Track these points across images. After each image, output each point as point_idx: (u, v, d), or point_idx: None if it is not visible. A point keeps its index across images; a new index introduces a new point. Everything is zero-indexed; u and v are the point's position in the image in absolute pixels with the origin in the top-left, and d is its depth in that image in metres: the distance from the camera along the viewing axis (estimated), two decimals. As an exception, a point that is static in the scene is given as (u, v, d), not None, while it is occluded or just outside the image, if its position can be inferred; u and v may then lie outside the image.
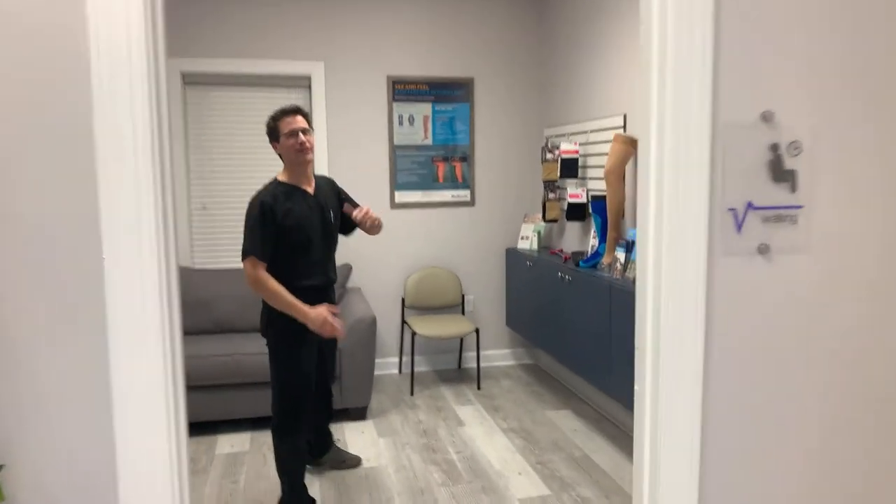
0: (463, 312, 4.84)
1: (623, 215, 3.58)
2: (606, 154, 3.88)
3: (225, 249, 4.51)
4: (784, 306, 1.38)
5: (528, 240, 4.72)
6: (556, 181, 4.46)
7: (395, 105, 4.67)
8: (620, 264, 3.39)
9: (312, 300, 2.62)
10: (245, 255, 2.53)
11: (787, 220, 1.33)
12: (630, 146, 3.49)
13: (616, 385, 3.26)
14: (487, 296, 4.93)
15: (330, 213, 2.75)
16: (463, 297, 4.82)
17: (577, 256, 4.00)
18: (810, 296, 1.40)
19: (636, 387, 1.39)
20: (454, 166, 4.80)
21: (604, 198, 3.72)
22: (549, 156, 4.45)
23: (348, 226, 2.88)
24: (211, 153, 4.47)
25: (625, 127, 3.71)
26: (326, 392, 3.19)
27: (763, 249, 1.32)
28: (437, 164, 4.79)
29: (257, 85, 4.50)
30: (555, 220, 4.50)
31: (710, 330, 1.31)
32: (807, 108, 1.36)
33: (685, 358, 1.26)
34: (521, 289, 4.55)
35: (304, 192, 2.66)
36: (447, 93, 4.75)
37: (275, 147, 2.66)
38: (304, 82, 4.54)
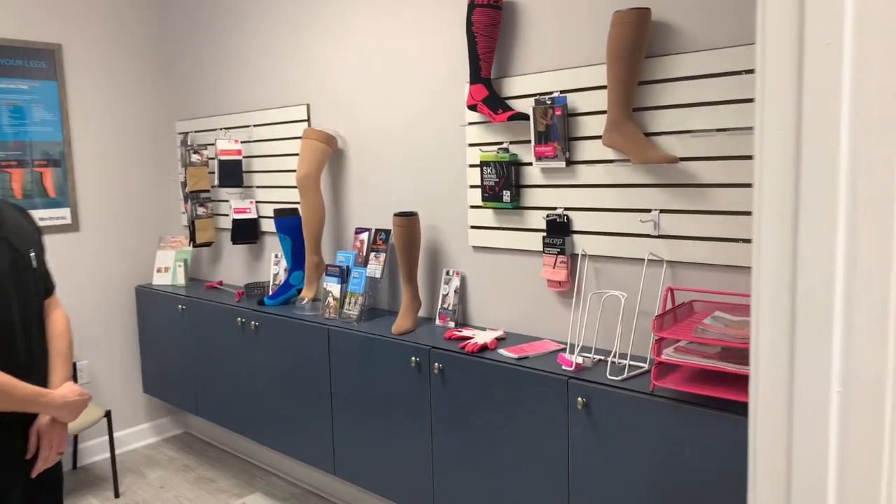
0: (76, 387, 3.29)
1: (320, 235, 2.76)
2: (278, 155, 3.01)
3: None
4: None
5: (167, 272, 3.47)
6: (207, 191, 3.34)
7: (-81, 74, 2.86)
8: (334, 298, 2.58)
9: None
10: None
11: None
12: (327, 144, 2.70)
13: (341, 454, 2.45)
14: (112, 356, 3.48)
15: (31, 258, 1.65)
16: (74, 365, 3.28)
17: (253, 291, 3.01)
18: None
19: None
20: (39, 174, 3.23)
21: (294, 212, 2.83)
22: (194, 157, 3.31)
23: (50, 279, 1.78)
24: None
25: (309, 120, 2.89)
26: None
27: None
28: (10, 172, 3.14)
29: None
30: (208, 244, 3.38)
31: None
32: None
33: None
34: (167, 341, 3.30)
35: None
36: (18, 64, 3.14)
37: None
38: None
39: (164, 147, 3.65)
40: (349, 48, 2.68)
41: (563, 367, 1.87)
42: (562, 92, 2.06)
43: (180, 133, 3.58)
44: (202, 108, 3.44)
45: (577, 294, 2.09)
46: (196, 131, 3.47)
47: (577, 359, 1.88)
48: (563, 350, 2.04)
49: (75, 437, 3.34)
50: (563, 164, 2.06)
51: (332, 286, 2.59)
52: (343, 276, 2.58)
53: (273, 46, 3.00)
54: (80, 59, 3.32)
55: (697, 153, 1.81)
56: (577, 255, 2.08)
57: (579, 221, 2.07)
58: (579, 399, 1.77)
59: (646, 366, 1.84)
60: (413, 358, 2.16)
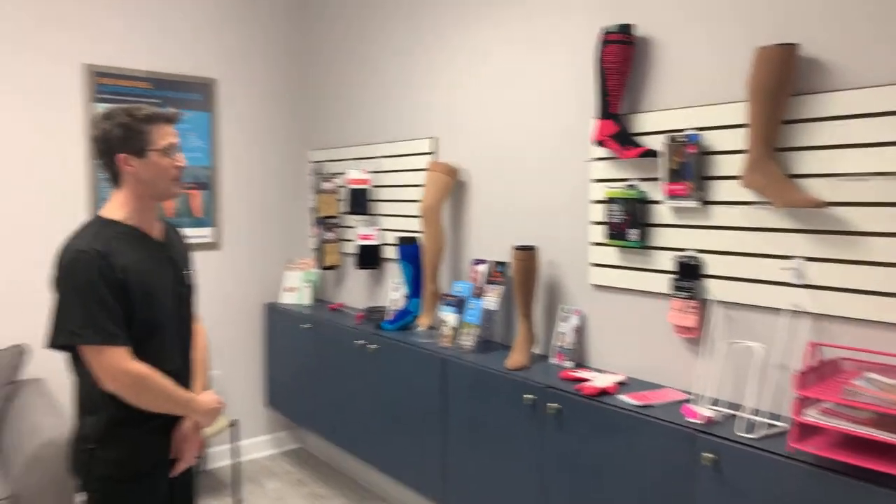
0: (207, 395, 3.53)
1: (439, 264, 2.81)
2: (402, 186, 3.10)
3: None
4: None
5: (295, 292, 3.66)
6: (335, 217, 3.51)
7: (98, 108, 3.24)
8: (450, 328, 2.60)
9: None
10: (80, 340, 1.54)
11: None
12: (450, 176, 2.75)
13: (451, 484, 2.44)
14: (240, 368, 3.71)
15: (187, 275, 1.81)
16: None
17: (373, 315, 3.10)
18: None
19: None
20: (190, 196, 3.53)
21: (414, 240, 2.91)
22: (325, 185, 3.49)
23: (195, 296, 1.93)
24: None
25: (433, 152, 2.96)
26: None
27: None
28: (165, 193, 3.45)
29: None
30: (333, 267, 3.54)
31: None
32: None
33: None
34: (291, 357, 3.46)
35: (151, 239, 1.71)
36: (180, 96, 3.47)
37: (125, 164, 1.64)
38: (-63, 57, 2.86)
39: (298, 175, 3.89)
40: (475, 83, 2.74)
41: (690, 420, 1.77)
42: (696, 129, 1.98)
43: (313, 162, 3.80)
44: (334, 140, 3.64)
45: (707, 342, 1.98)
46: (328, 161, 3.66)
47: (706, 411, 1.77)
48: (689, 401, 1.93)
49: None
50: (696, 204, 1.98)
51: (448, 315, 2.61)
52: (459, 306, 2.61)
53: (403, 83, 3.12)
54: (231, 93, 3.62)
55: (848, 198, 1.67)
56: (709, 300, 1.97)
57: (713, 265, 1.96)
58: (707, 455, 1.66)
59: (782, 425, 1.70)
60: (527, 395, 2.13)
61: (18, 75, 3.02)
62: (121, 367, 1.56)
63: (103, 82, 3.26)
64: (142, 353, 1.62)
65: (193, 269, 1.87)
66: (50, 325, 1.57)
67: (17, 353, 2.84)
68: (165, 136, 1.66)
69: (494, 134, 2.67)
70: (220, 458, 3.61)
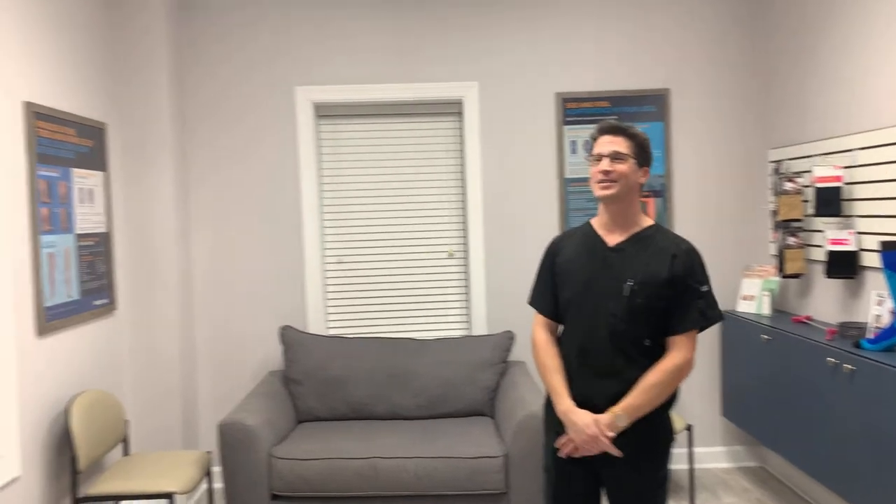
0: (662, 397, 3.64)
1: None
2: (888, 181, 2.61)
3: (365, 312, 3.72)
4: None
5: (753, 301, 3.46)
6: (799, 220, 3.20)
7: (566, 129, 3.68)
8: (960, 355, 2.09)
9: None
10: (530, 300, 2.08)
11: None
12: (960, 166, 2.21)
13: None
14: (695, 375, 3.71)
15: (625, 283, 1.80)
16: (661, 376, 3.63)
17: (848, 331, 2.72)
18: None
19: None
20: (644, 203, 3.69)
21: (906, 246, 2.44)
22: (787, 186, 3.22)
23: (676, 321, 1.80)
24: (348, 196, 3.73)
25: (934, 138, 2.42)
26: None
27: None
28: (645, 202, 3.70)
29: (398, 115, 3.72)
30: (797, 275, 3.23)
31: None
32: None
33: None
34: (748, 369, 3.29)
35: (599, 241, 1.89)
36: (634, 110, 3.68)
37: None
38: (455, 108, 3.70)
39: (755, 176, 3.67)
40: None
41: None
42: None
43: (772, 161, 3.53)
44: (797, 135, 3.31)
45: None
46: (789, 159, 3.36)
47: None
48: None
49: (659, 442, 3.68)
50: None
51: (958, 339, 2.11)
52: (975, 328, 2.08)
53: (886, 59, 2.65)
54: (683, 100, 3.66)
55: None
56: None
57: None
58: None
59: None
60: None
61: (511, 109, 3.66)
62: (533, 328, 1.99)
63: (570, 106, 3.68)
64: (564, 333, 1.92)
65: (657, 286, 1.77)
66: None
67: (508, 338, 3.45)
68: (598, 146, 1.85)
69: None
70: (676, 460, 3.67)
